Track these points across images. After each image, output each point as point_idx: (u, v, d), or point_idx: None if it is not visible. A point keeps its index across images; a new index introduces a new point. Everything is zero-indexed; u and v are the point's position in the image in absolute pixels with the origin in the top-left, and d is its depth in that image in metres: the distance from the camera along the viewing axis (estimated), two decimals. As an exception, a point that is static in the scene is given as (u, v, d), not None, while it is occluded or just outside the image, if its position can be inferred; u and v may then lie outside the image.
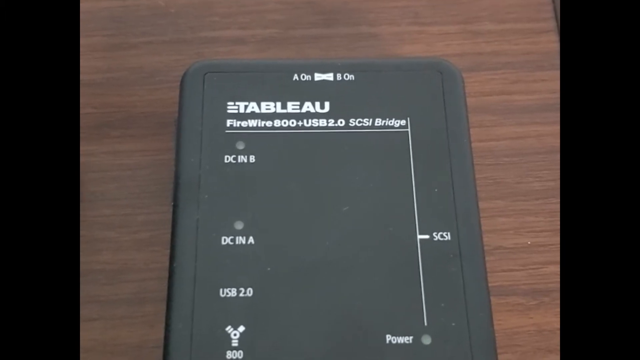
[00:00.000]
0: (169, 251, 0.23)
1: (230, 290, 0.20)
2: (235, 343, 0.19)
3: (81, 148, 0.26)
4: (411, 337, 0.20)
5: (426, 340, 0.20)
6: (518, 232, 0.25)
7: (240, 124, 0.23)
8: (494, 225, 0.25)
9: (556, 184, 0.26)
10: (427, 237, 0.21)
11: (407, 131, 0.23)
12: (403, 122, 0.23)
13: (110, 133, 0.26)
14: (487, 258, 0.22)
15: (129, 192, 0.25)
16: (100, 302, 0.23)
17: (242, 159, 0.22)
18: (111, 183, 0.25)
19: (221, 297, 0.20)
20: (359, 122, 0.23)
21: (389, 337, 0.20)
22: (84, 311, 0.23)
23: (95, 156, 0.26)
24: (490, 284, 0.21)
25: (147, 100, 0.27)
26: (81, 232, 0.24)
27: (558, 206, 0.25)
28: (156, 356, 0.22)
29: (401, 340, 0.20)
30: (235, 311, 0.20)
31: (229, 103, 0.23)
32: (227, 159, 0.22)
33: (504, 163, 0.26)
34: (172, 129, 0.25)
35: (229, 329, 0.20)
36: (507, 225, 0.25)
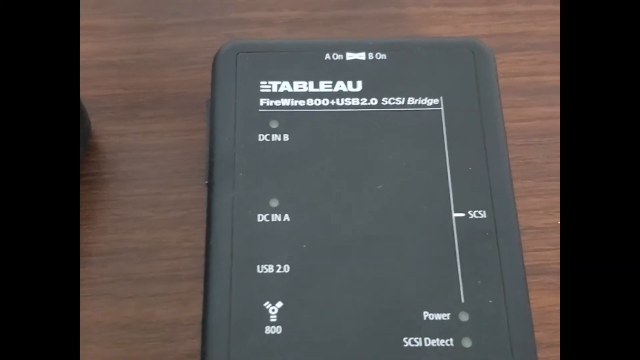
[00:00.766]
0: (201, 230, 0.24)
1: (267, 267, 0.20)
2: (273, 319, 0.20)
3: (112, 128, 0.26)
4: (448, 314, 0.20)
5: (463, 317, 0.20)
6: (548, 212, 0.25)
7: (273, 103, 0.23)
8: (525, 205, 0.25)
9: (586, 164, 0.26)
10: (462, 215, 0.21)
11: (440, 110, 0.23)
12: (436, 101, 0.23)
13: (140, 114, 0.26)
14: (518, 237, 0.22)
15: (160, 172, 0.25)
16: (135, 280, 0.23)
17: (276, 137, 0.22)
18: (143, 163, 0.25)
19: (258, 274, 0.20)
20: (392, 101, 0.23)
21: (426, 314, 0.20)
22: (119, 289, 0.23)
23: (126, 136, 0.26)
24: (521, 263, 0.22)
25: (177, 81, 0.27)
26: (114, 211, 0.24)
27: (588, 186, 0.25)
28: (191, 333, 0.23)
29: (439, 316, 0.20)
30: (272, 287, 0.20)
31: (262, 82, 0.23)
32: (261, 137, 0.22)
33: (534, 143, 0.26)
34: (203, 109, 0.26)
35: (267, 304, 0.20)
36: (538, 205, 0.25)
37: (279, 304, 0.20)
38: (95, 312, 0.23)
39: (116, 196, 0.25)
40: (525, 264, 0.23)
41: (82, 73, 0.25)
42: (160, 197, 0.25)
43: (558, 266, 0.24)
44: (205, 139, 0.23)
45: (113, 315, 0.23)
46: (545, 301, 0.24)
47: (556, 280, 0.24)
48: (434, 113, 0.23)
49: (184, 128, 0.26)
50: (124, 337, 0.22)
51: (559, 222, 0.25)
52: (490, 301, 0.20)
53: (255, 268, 0.20)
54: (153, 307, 0.23)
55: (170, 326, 0.23)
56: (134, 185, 0.25)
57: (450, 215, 0.21)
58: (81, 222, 0.24)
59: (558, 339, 0.23)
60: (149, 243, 0.24)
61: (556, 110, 0.27)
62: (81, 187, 0.25)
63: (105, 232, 0.24)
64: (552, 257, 0.24)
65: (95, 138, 0.26)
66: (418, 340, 0.19)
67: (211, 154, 0.22)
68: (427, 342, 0.19)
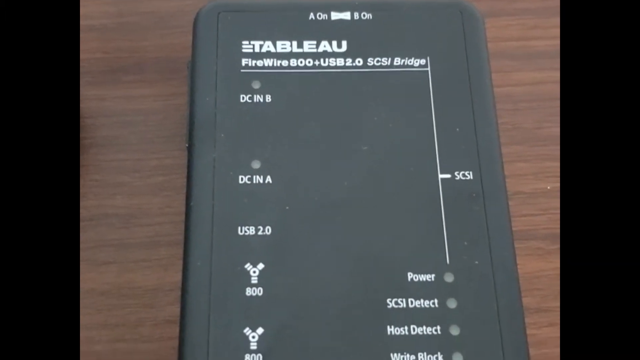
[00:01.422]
0: (182, 196, 0.23)
1: (248, 229, 0.20)
2: (254, 280, 0.19)
3: (92, 92, 0.25)
4: (433, 275, 0.19)
5: (449, 277, 0.19)
6: (537, 177, 0.25)
7: (255, 64, 0.22)
8: (513, 170, 0.25)
9: (576, 130, 0.25)
10: (448, 176, 0.21)
11: (427, 70, 0.22)
12: (423, 62, 0.22)
13: (122, 78, 0.26)
14: (506, 202, 0.22)
15: (141, 137, 0.25)
16: (115, 245, 0.23)
17: (258, 98, 0.22)
18: (124, 128, 0.25)
19: (239, 235, 0.20)
20: (377, 61, 0.22)
21: (410, 275, 0.19)
22: (100, 255, 0.23)
23: (107, 100, 0.25)
24: (509, 229, 0.21)
25: (159, 45, 0.26)
26: (95, 177, 0.24)
27: (578, 151, 0.25)
28: (171, 299, 0.22)
29: (423, 278, 0.19)
30: (254, 249, 0.19)
31: (244, 42, 0.22)
32: (243, 98, 0.21)
33: (523, 108, 0.26)
34: (185, 73, 0.25)
35: (248, 266, 0.19)
36: (526, 170, 0.25)
37: (260, 266, 0.19)
38: (74, 278, 0.23)
39: (96, 161, 0.24)
40: (514, 229, 0.22)
41: (62, 37, 0.25)
42: (141, 163, 0.24)
43: (546, 231, 0.24)
44: (187, 100, 0.23)
45: (92, 282, 0.22)
46: (534, 266, 0.23)
47: (545, 245, 0.24)
48: (420, 74, 0.22)
49: (165, 93, 0.25)
50: (103, 303, 0.22)
51: (548, 188, 0.25)
52: (477, 262, 0.19)
53: (237, 230, 0.20)
54: (133, 273, 0.22)
55: (150, 292, 0.22)
56: (114, 151, 0.24)
57: (437, 177, 0.21)
58: (60, 188, 0.24)
59: (546, 305, 0.23)
60: (130, 209, 0.24)
61: (546, 75, 0.27)
62: (60, 152, 0.24)
63: (84, 197, 0.24)
64: (540, 222, 0.24)
65: (75, 102, 0.25)
66: (402, 301, 0.19)
67: (191, 115, 0.21)
68: (411, 303, 0.19)
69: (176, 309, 0.22)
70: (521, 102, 0.26)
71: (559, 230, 0.24)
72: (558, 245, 0.23)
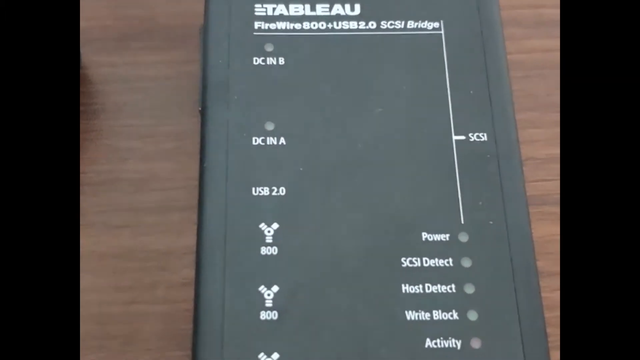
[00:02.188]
0: (195, 161, 0.23)
1: (262, 189, 0.20)
2: (269, 239, 0.19)
3: (103, 59, 0.25)
4: (448, 235, 0.19)
5: (463, 237, 0.19)
6: (549, 143, 0.25)
7: (268, 27, 0.22)
8: (526, 136, 0.24)
9: (588, 96, 0.25)
10: (462, 137, 0.20)
11: (441, 33, 0.22)
12: (436, 25, 0.22)
13: (132, 45, 0.25)
14: (518, 168, 0.22)
15: (152, 103, 0.25)
16: (128, 210, 0.23)
17: (271, 61, 0.21)
18: (135, 94, 0.25)
19: (254, 196, 0.20)
20: (391, 24, 0.22)
21: (425, 235, 0.19)
22: (113, 219, 0.23)
23: (118, 67, 0.25)
24: (522, 193, 0.21)
25: (169, 13, 0.26)
26: (106, 142, 0.24)
27: (590, 118, 0.25)
28: (185, 262, 0.22)
29: (438, 237, 0.19)
30: (268, 209, 0.19)
31: (257, 5, 0.22)
32: (256, 60, 0.21)
33: (535, 75, 0.26)
34: (197, 40, 0.25)
35: (262, 226, 0.19)
36: (539, 136, 0.25)
37: (275, 225, 0.19)
38: (88, 241, 0.22)
39: (107, 126, 0.24)
40: (527, 194, 0.22)
41: (72, 4, 0.25)
42: (153, 128, 0.24)
43: (559, 196, 0.24)
44: (199, 64, 0.22)
45: (106, 245, 0.22)
46: (546, 231, 0.23)
47: (557, 210, 0.24)
48: (434, 37, 0.22)
49: (177, 59, 0.25)
50: (118, 265, 0.22)
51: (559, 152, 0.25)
52: (491, 222, 0.19)
53: (251, 190, 0.20)
54: (147, 236, 0.22)
55: (164, 255, 0.22)
56: (125, 116, 0.24)
57: (451, 138, 0.20)
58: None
59: (558, 268, 0.23)
60: (142, 173, 0.24)
61: (557, 43, 0.27)
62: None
63: (96, 162, 0.24)
64: (553, 187, 0.24)
65: (85, 69, 0.25)
66: (416, 260, 0.19)
67: (204, 78, 0.21)
68: (426, 262, 0.19)
69: (190, 272, 0.22)
70: (533, 69, 0.26)
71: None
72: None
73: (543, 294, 0.22)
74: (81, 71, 0.25)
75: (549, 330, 0.21)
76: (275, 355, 0.18)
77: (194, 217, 0.22)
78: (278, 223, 0.19)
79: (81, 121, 0.24)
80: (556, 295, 0.22)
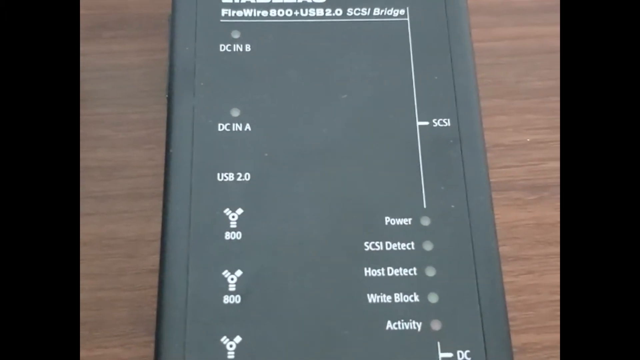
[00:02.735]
0: (164, 149, 0.23)
1: (227, 175, 0.20)
2: (233, 225, 0.19)
3: (74, 48, 0.26)
4: (410, 219, 0.19)
5: (425, 221, 0.20)
6: (517, 130, 0.25)
7: (235, 14, 0.22)
8: (493, 123, 0.25)
9: (556, 83, 0.25)
10: (426, 123, 0.21)
11: (406, 20, 0.22)
12: (402, 12, 0.22)
13: (103, 34, 0.26)
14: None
15: (123, 92, 0.25)
16: (97, 197, 0.23)
17: (237, 47, 0.22)
18: (106, 82, 0.25)
19: (219, 182, 0.20)
20: (357, 11, 0.22)
21: (387, 219, 0.19)
22: (82, 206, 0.23)
23: (89, 56, 0.25)
24: (488, 180, 0.21)
25: (141, 2, 0.26)
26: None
27: (558, 104, 0.25)
28: (153, 249, 0.22)
29: (400, 221, 0.19)
30: (233, 195, 0.20)
31: (224, -7, 0.22)
32: (223, 47, 0.22)
33: (504, 63, 0.26)
34: (166, 28, 0.25)
35: (227, 211, 0.20)
36: (507, 123, 0.25)
37: (239, 211, 0.20)
38: (56, 229, 0.23)
39: (80, 115, 0.24)
40: (492, 180, 0.23)
41: (43, -6, 0.25)
42: (123, 117, 0.24)
43: (525, 182, 0.24)
44: (167, 51, 0.23)
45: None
46: (512, 216, 0.24)
47: (523, 195, 0.24)
48: (399, 24, 0.22)
49: (147, 48, 0.25)
50: (86, 253, 0.22)
51: (528, 140, 0.25)
52: (453, 206, 0.20)
53: (216, 176, 0.20)
54: (116, 224, 0.23)
55: (132, 242, 0.22)
56: (96, 105, 0.24)
57: (415, 124, 0.21)
58: (42, 141, 0.24)
59: (524, 253, 0.23)
60: (112, 161, 0.24)
61: (526, 30, 0.27)
62: (42, 106, 0.25)
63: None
64: (520, 173, 0.24)
65: (57, 58, 0.25)
66: (379, 244, 0.19)
67: (171, 65, 0.21)
68: (388, 246, 0.19)
69: (157, 259, 0.22)
70: (502, 56, 0.26)
71: (537, 182, 0.24)
72: (536, 196, 0.24)
73: (507, 279, 0.22)
74: (52, 60, 0.25)
75: (512, 314, 0.21)
76: (238, 339, 0.18)
77: (164, 203, 0.23)
78: (242, 208, 0.20)
79: (51, 109, 0.24)
80: (520, 280, 0.22)
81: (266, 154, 0.20)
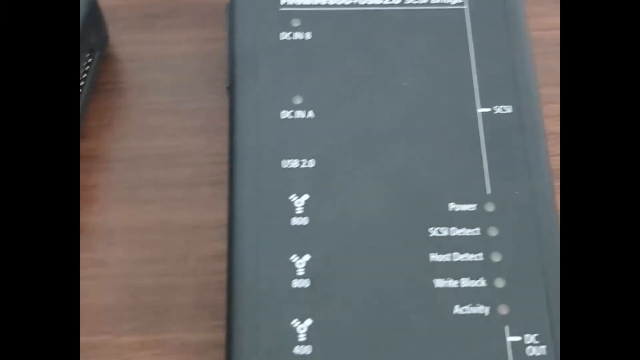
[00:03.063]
0: (222, 137, 0.24)
1: (292, 162, 0.20)
2: (300, 210, 0.20)
3: (129, 37, 0.26)
4: (474, 205, 0.20)
5: (489, 207, 0.20)
6: (570, 118, 0.25)
7: (294, 2, 0.22)
8: (546, 111, 0.25)
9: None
10: (487, 110, 0.21)
11: (465, 8, 0.22)
12: (460, 0, 0.22)
13: (157, 23, 0.26)
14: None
15: (179, 80, 0.25)
16: (157, 185, 0.23)
17: (298, 36, 0.22)
18: (161, 71, 0.25)
19: (283, 168, 0.20)
20: (415, 0, 0.22)
21: (452, 205, 0.20)
22: (142, 194, 0.23)
23: (144, 45, 0.25)
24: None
25: (193, -9, 0.27)
26: (135, 119, 0.24)
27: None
28: (215, 235, 0.23)
29: (464, 207, 0.20)
30: (298, 181, 0.20)
31: (283, -18, 0.23)
32: (283, 36, 0.22)
33: (555, 52, 0.26)
34: (221, 17, 0.25)
35: (293, 197, 0.20)
36: (559, 111, 0.25)
37: (305, 197, 0.20)
38: (118, 216, 0.23)
39: (136, 104, 0.25)
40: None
41: (98, -16, 0.25)
42: (180, 105, 0.25)
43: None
44: (226, 41, 0.23)
45: (135, 219, 0.23)
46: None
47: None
48: (458, 11, 0.22)
49: (201, 37, 0.26)
50: (148, 239, 0.23)
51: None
52: (517, 192, 0.20)
53: (280, 163, 0.20)
54: (176, 210, 0.23)
55: (193, 229, 0.23)
56: (152, 94, 0.25)
57: (476, 110, 0.21)
58: (101, 129, 0.24)
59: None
60: (170, 149, 0.24)
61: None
62: (100, 95, 0.25)
63: (125, 138, 0.24)
64: (574, 161, 0.24)
65: (113, 47, 0.25)
66: (444, 229, 0.19)
67: (232, 54, 0.22)
68: (453, 232, 0.19)
69: (220, 245, 0.22)
70: (554, 45, 0.26)
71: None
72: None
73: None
74: (108, 49, 0.25)
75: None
76: (308, 321, 0.19)
77: (222, 191, 0.23)
78: (308, 194, 0.20)
79: (109, 99, 0.25)
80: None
81: (329, 141, 0.21)
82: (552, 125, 0.25)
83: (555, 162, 0.24)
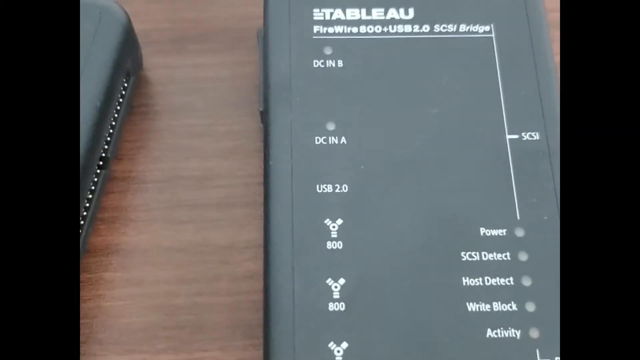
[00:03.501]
0: (253, 160, 0.24)
1: (326, 187, 0.21)
2: (334, 234, 0.20)
3: (160, 61, 0.26)
4: (505, 230, 0.20)
5: (519, 232, 0.20)
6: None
7: (327, 30, 0.23)
8: (569, 135, 0.26)
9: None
10: (516, 136, 0.21)
11: (492, 37, 0.23)
12: (487, 28, 0.23)
13: (188, 47, 0.27)
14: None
15: (210, 104, 0.26)
16: (190, 206, 0.24)
17: (330, 63, 0.22)
18: (193, 94, 0.26)
19: (318, 193, 0.21)
20: (444, 28, 0.23)
21: (483, 230, 0.20)
22: (176, 214, 0.24)
23: (175, 69, 0.26)
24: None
25: (223, 16, 0.27)
26: (167, 141, 0.25)
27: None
28: (247, 256, 0.23)
29: (495, 232, 0.20)
30: (332, 205, 0.20)
31: (315, 10, 0.23)
32: (316, 63, 0.22)
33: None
34: (251, 42, 0.26)
35: (327, 221, 0.20)
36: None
37: (339, 221, 0.20)
38: (152, 236, 0.23)
39: (168, 126, 0.25)
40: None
41: (129, 8, 0.26)
42: (211, 128, 0.25)
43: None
44: (259, 66, 0.23)
45: (170, 239, 0.23)
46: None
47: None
48: (485, 39, 0.23)
49: (232, 61, 0.26)
50: (181, 259, 0.23)
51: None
52: (546, 217, 0.20)
53: (315, 187, 0.21)
54: (209, 231, 0.24)
55: (226, 249, 0.23)
56: (185, 116, 0.25)
57: (504, 137, 0.21)
58: (136, 152, 0.25)
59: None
60: (203, 171, 0.25)
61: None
62: (134, 118, 0.25)
63: (159, 160, 0.25)
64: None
65: (145, 71, 0.26)
66: (476, 254, 0.20)
67: (266, 79, 0.22)
68: (485, 256, 0.20)
69: (252, 265, 0.23)
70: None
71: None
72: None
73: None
74: (141, 73, 0.26)
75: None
76: (345, 345, 0.19)
77: (255, 212, 0.24)
78: (342, 219, 0.20)
79: (143, 121, 0.25)
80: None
81: (362, 166, 0.21)
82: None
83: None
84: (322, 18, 0.23)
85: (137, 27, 0.26)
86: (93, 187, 0.23)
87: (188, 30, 0.27)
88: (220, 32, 0.27)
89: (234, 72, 0.26)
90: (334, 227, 0.20)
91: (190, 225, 0.24)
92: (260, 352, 0.20)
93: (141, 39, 0.26)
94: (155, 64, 0.26)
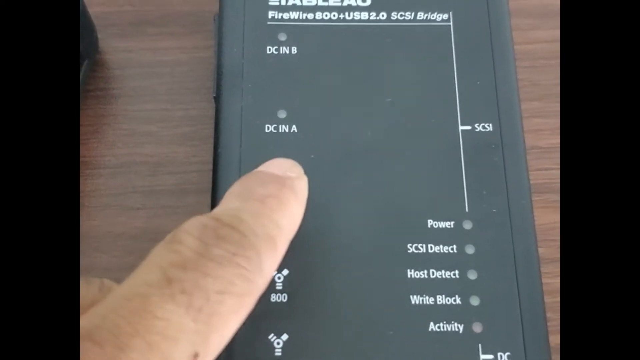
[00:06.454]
0: (208, 146, 0.24)
1: (274, 176, 0.21)
2: (280, 224, 0.20)
3: (120, 44, 0.26)
4: (452, 222, 0.20)
5: (467, 225, 0.20)
6: (554, 133, 0.25)
7: (282, 16, 0.23)
8: (530, 125, 0.25)
9: (593, 87, 0.26)
10: (468, 127, 0.21)
11: (449, 25, 0.22)
12: (445, 16, 0.23)
13: (148, 30, 0.26)
14: (523, 156, 0.22)
15: (168, 88, 0.25)
16: (143, 192, 0.24)
17: (284, 50, 0.22)
18: (150, 79, 0.25)
19: (266, 182, 0.20)
20: (401, 15, 0.23)
21: (430, 222, 0.20)
22: (129, 201, 0.23)
23: (134, 52, 0.26)
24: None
25: (184, 0, 0.27)
26: (123, 126, 0.25)
27: (594, 108, 0.26)
28: (199, 244, 0.23)
29: (443, 224, 0.20)
30: (280, 195, 0.20)
31: (271, -5, 0.23)
32: (269, 49, 0.22)
33: (541, 65, 0.26)
34: (210, 27, 0.26)
35: (274, 211, 0.20)
36: (544, 125, 0.25)
37: (286, 211, 0.20)
38: (104, 223, 0.23)
39: (124, 111, 0.25)
40: (531, 182, 0.23)
41: (90, -10, 0.25)
42: (168, 113, 0.25)
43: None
44: (213, 52, 0.23)
45: (122, 226, 0.23)
46: (549, 218, 0.24)
47: (559, 198, 0.24)
48: (443, 28, 0.22)
49: (191, 45, 0.26)
50: (134, 246, 0.23)
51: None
52: (494, 210, 0.20)
53: (263, 176, 0.21)
54: (162, 218, 0.23)
55: (178, 237, 0.23)
56: (142, 101, 0.25)
57: (457, 128, 0.21)
58: (90, 136, 0.25)
59: (559, 255, 0.24)
60: (157, 157, 0.24)
61: (564, 33, 0.27)
62: (89, 102, 0.25)
63: (113, 146, 0.24)
64: (556, 176, 0.25)
65: (103, 54, 0.26)
66: (422, 246, 0.20)
67: (219, 66, 0.22)
68: (431, 249, 0.20)
69: (203, 253, 0.23)
70: (539, 59, 0.26)
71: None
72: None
73: (544, 280, 0.22)
74: (98, 56, 0.26)
75: (549, 315, 0.22)
76: (285, 336, 0.19)
77: (207, 199, 0.23)
78: (289, 208, 0.20)
79: (99, 106, 0.25)
80: (557, 282, 0.23)
81: (312, 155, 0.21)
82: (534, 139, 0.25)
83: (536, 177, 0.25)
84: (277, 3, 0.23)
85: (97, 9, 0.26)
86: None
87: (149, 13, 0.27)
88: (181, 15, 0.27)
89: (193, 56, 0.26)
90: (280, 217, 0.20)
91: (143, 212, 0.23)
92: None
93: (101, 22, 0.26)
94: (114, 47, 0.26)
